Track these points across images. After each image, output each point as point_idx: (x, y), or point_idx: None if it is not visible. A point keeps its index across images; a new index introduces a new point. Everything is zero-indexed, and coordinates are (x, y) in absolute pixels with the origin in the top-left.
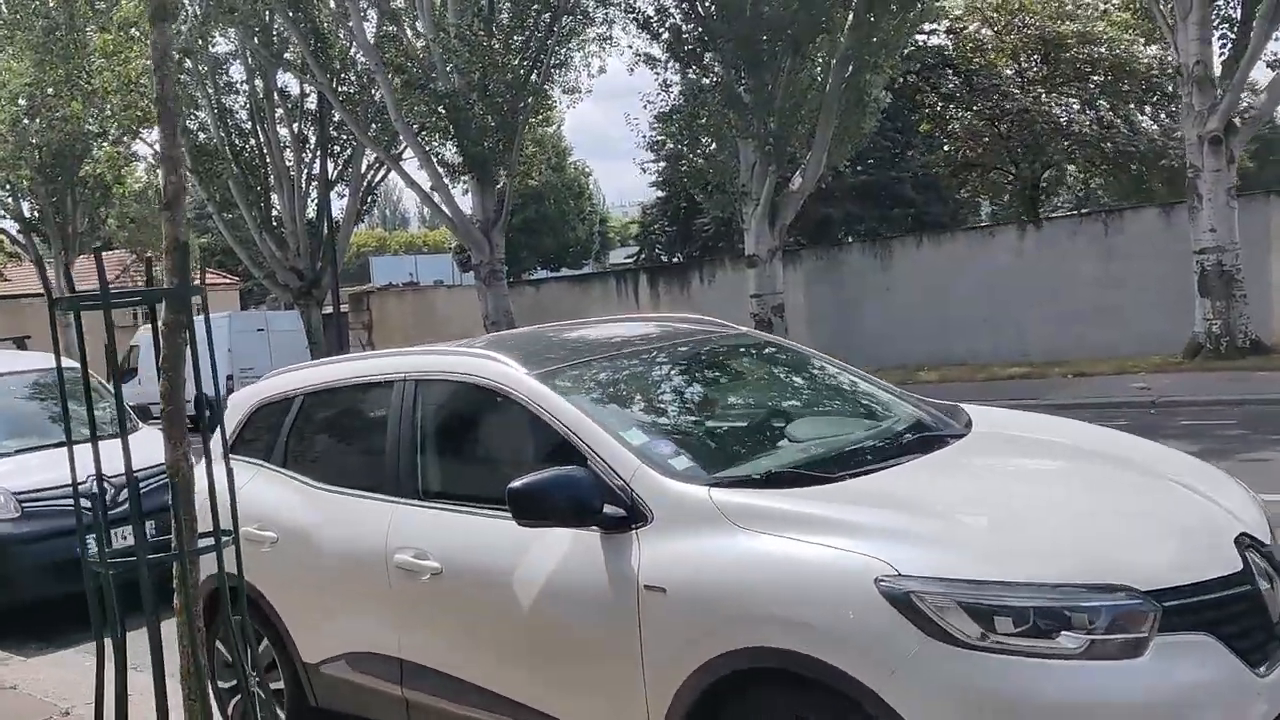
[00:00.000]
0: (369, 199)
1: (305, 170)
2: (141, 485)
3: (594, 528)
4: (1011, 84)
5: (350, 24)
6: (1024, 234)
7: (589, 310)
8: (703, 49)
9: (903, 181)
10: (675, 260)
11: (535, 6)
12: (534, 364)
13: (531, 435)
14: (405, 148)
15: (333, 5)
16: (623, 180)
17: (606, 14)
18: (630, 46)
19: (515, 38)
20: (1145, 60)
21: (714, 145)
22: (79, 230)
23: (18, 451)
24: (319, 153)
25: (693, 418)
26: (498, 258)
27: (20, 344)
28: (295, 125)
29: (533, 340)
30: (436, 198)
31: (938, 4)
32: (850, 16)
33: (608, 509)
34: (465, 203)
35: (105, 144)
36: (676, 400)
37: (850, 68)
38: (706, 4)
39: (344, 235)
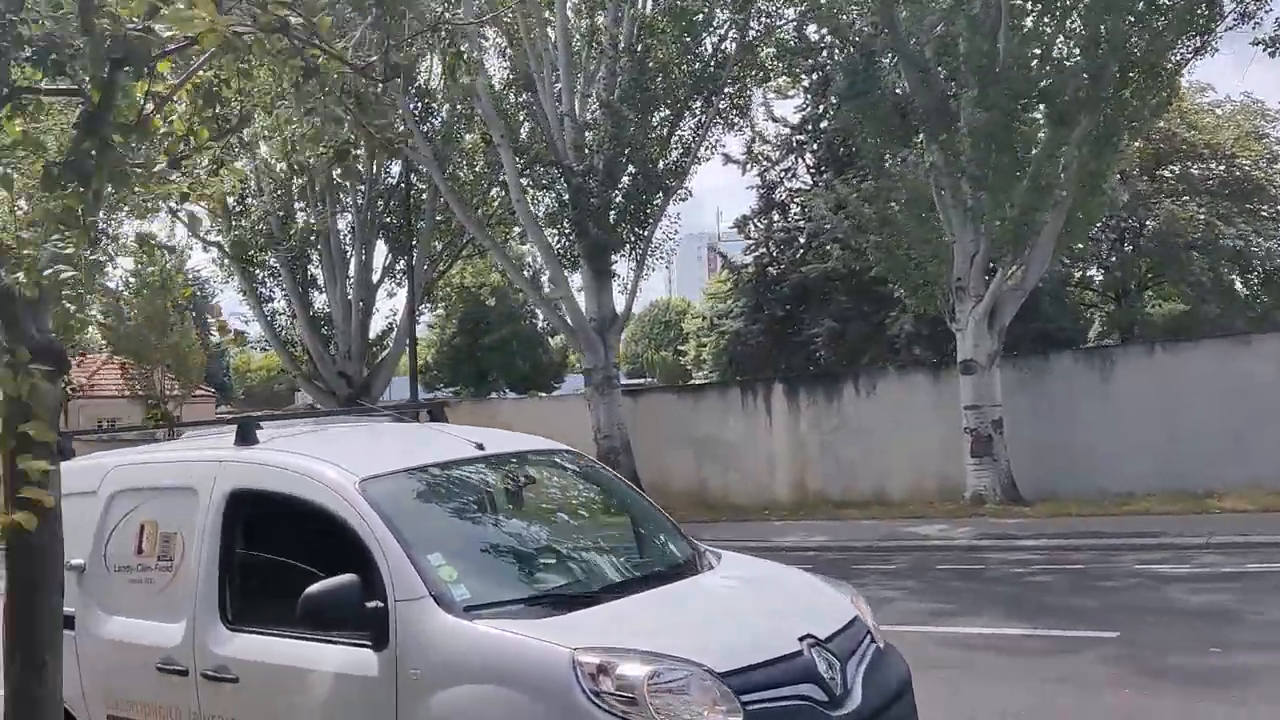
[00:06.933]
0: (426, 298)
1: (360, 262)
2: (856, 658)
3: None
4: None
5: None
6: None
7: (705, 424)
8: (942, 120)
9: (1039, 292)
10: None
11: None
12: None
13: None
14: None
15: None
16: None
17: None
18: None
19: (658, 112)
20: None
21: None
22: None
23: (615, 591)
24: (374, 244)
25: None
26: (612, 363)
27: (436, 414)
28: (361, 213)
29: None
30: (546, 291)
31: (1182, 81)
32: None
33: None
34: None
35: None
36: None
37: (1087, 148)
38: (937, 70)
39: (399, 339)
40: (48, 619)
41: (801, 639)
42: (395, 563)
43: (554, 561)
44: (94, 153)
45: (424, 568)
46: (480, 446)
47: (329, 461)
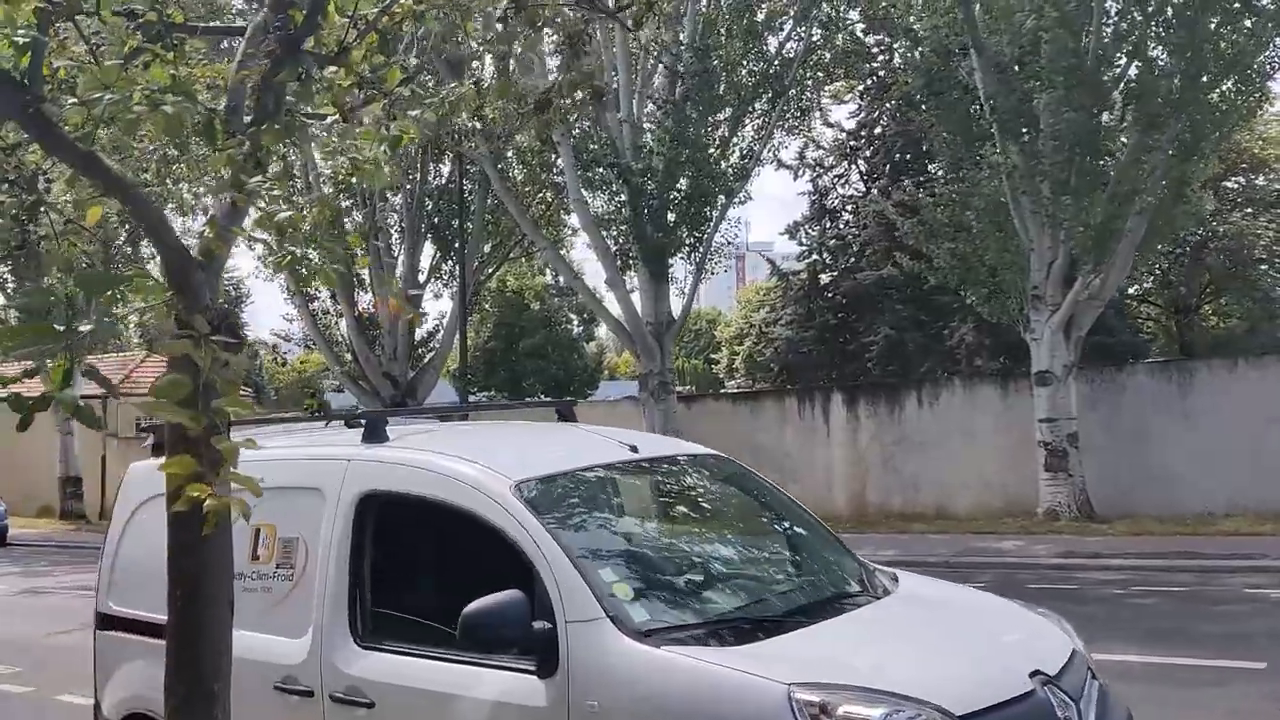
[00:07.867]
0: (473, 300)
1: (407, 263)
2: (1086, 699)
3: None
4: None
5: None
6: None
7: (761, 432)
8: (1019, 122)
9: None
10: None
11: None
12: None
13: None
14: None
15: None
16: None
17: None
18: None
19: (720, 113)
20: None
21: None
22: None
23: (802, 616)
24: (421, 245)
25: None
26: (668, 368)
27: (565, 413)
28: (412, 212)
29: None
30: (601, 295)
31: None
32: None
33: None
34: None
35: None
36: None
37: (1172, 151)
38: (1010, 70)
39: (446, 341)
40: (219, 638)
41: (1031, 676)
42: (565, 578)
43: (725, 580)
44: (282, 86)
45: (598, 584)
46: (634, 449)
47: (474, 461)
